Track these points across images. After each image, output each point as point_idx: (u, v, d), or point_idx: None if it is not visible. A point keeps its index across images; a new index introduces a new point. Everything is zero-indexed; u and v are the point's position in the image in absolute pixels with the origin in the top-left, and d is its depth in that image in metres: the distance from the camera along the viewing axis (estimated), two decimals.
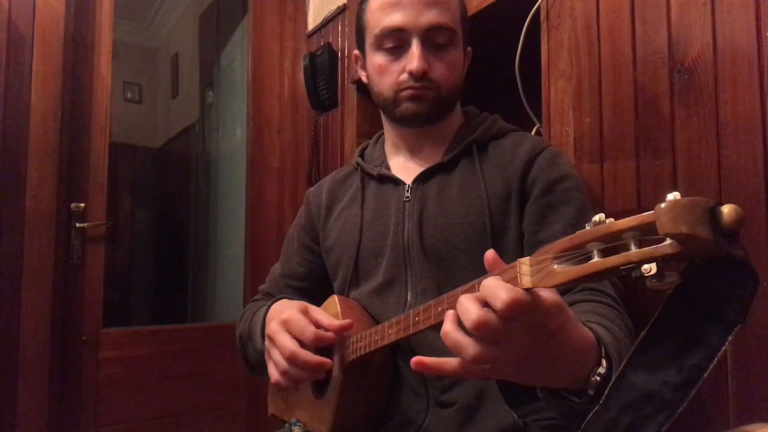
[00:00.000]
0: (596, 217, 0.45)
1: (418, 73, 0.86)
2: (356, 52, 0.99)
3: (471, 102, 1.02)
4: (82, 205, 1.74)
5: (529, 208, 0.85)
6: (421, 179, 0.92)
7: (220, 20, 2.69)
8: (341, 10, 1.91)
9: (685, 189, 0.87)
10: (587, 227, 0.45)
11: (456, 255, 0.85)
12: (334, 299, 0.92)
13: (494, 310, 0.49)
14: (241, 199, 2.16)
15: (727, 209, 0.39)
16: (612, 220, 0.44)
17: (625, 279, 0.44)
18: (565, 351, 0.54)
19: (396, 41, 0.88)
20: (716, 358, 0.44)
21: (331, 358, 0.87)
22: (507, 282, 0.52)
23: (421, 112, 0.89)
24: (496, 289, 0.49)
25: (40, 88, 1.63)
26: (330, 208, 1.03)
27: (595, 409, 0.50)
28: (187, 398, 1.90)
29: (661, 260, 0.41)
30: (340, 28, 1.93)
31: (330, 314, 0.90)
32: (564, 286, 0.48)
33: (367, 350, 0.77)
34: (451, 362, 0.55)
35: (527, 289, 0.49)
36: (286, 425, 0.94)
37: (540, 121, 1.15)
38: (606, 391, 0.50)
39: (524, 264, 0.50)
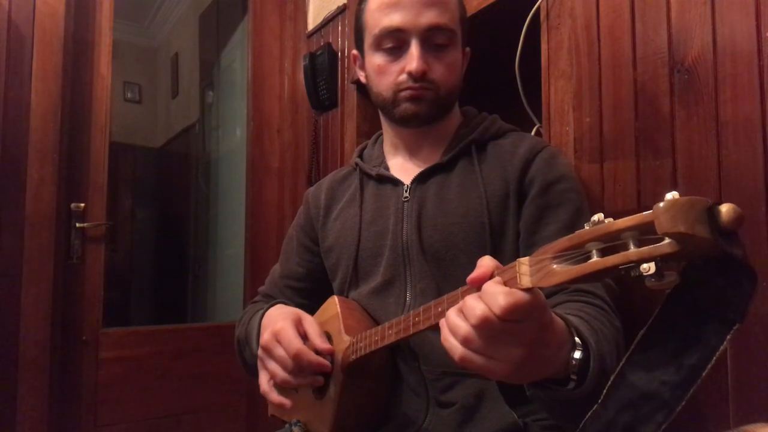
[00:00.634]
0: (595, 217, 0.45)
1: (418, 74, 0.86)
2: (355, 52, 0.99)
3: (471, 102, 1.02)
4: (82, 205, 1.74)
5: (526, 208, 0.85)
6: (419, 179, 0.92)
7: (220, 20, 2.69)
8: (341, 10, 1.91)
9: (685, 189, 0.87)
10: (586, 227, 0.45)
11: (455, 255, 0.85)
12: (334, 300, 0.92)
13: (494, 314, 0.50)
14: (241, 199, 2.16)
15: (725, 208, 0.39)
16: (611, 219, 0.44)
17: (624, 279, 0.44)
18: (554, 342, 0.56)
19: (395, 42, 0.88)
20: (714, 358, 0.44)
21: (331, 359, 0.87)
22: (506, 282, 0.52)
23: (420, 113, 0.89)
24: (495, 294, 0.50)
25: (40, 88, 1.63)
26: (329, 208, 1.03)
27: (594, 408, 0.50)
28: (187, 398, 1.90)
29: (660, 260, 0.41)
30: (340, 28, 1.93)
31: (330, 315, 0.90)
32: (563, 285, 0.48)
33: (367, 351, 0.77)
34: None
35: (527, 289, 0.50)
36: (286, 425, 0.94)
37: (540, 121, 1.15)
38: (605, 391, 0.50)
39: (524, 264, 0.51)
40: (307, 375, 0.82)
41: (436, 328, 0.64)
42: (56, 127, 1.65)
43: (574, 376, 0.57)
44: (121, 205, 3.01)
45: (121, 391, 1.78)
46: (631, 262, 0.42)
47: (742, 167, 0.80)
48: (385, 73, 0.90)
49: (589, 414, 0.50)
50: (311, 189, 1.10)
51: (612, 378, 0.50)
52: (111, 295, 1.87)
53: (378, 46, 0.89)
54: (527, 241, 0.84)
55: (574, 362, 0.57)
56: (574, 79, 1.06)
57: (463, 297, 0.58)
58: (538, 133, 1.17)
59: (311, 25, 2.13)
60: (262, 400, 0.94)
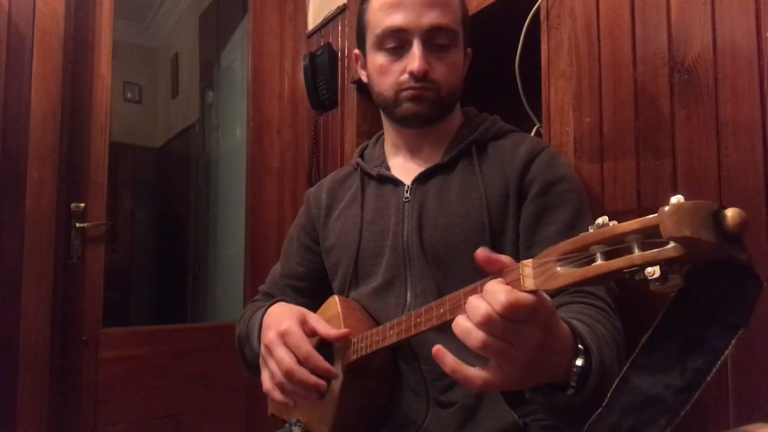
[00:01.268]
0: (599, 220, 0.45)
1: (419, 74, 0.86)
2: (357, 51, 0.99)
3: (471, 102, 1.02)
4: (82, 205, 1.74)
5: (526, 209, 0.85)
6: (420, 180, 0.92)
7: (220, 20, 2.69)
8: (341, 10, 1.91)
9: (685, 189, 0.87)
10: (590, 230, 0.45)
11: (455, 255, 0.85)
12: (335, 300, 0.92)
13: (496, 312, 0.50)
14: (241, 199, 2.16)
15: (730, 213, 0.39)
16: (615, 222, 0.44)
17: (628, 282, 0.44)
18: (559, 347, 0.55)
19: (397, 41, 0.88)
20: (719, 362, 0.44)
21: (332, 359, 0.87)
22: (510, 283, 0.52)
23: (422, 113, 0.89)
24: (496, 291, 0.50)
25: (40, 88, 1.63)
26: (330, 208, 1.03)
27: (598, 411, 0.50)
28: (187, 398, 1.90)
29: (665, 263, 0.41)
30: (340, 28, 1.93)
31: (331, 315, 0.90)
32: (567, 288, 0.48)
33: (368, 351, 0.77)
34: (467, 368, 0.55)
35: (531, 291, 0.49)
36: (286, 425, 0.94)
37: (540, 121, 1.15)
38: (609, 394, 0.50)
39: (527, 266, 0.50)
40: (307, 384, 0.79)
41: (437, 329, 0.65)
42: (56, 127, 1.65)
43: (573, 383, 0.57)
44: (121, 205, 3.01)
45: (121, 391, 1.78)
46: (636, 265, 0.42)
47: (742, 167, 0.80)
48: (387, 73, 0.90)
49: (593, 417, 0.50)
50: (312, 189, 1.10)
51: (616, 382, 0.49)
52: (111, 295, 1.87)
53: (380, 45, 0.89)
54: (527, 241, 0.84)
55: (575, 369, 0.57)
56: (574, 79, 1.06)
57: (465, 298, 0.57)
58: (538, 133, 1.17)
59: (311, 25, 2.13)
60: (262, 400, 0.94)
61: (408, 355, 0.87)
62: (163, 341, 1.89)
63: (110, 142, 1.82)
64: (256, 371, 1.00)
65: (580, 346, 0.59)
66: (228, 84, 2.61)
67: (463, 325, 0.53)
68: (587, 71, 1.03)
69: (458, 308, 0.59)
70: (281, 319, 0.84)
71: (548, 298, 0.51)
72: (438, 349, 0.57)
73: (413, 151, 0.97)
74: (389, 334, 0.73)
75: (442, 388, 0.84)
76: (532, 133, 1.14)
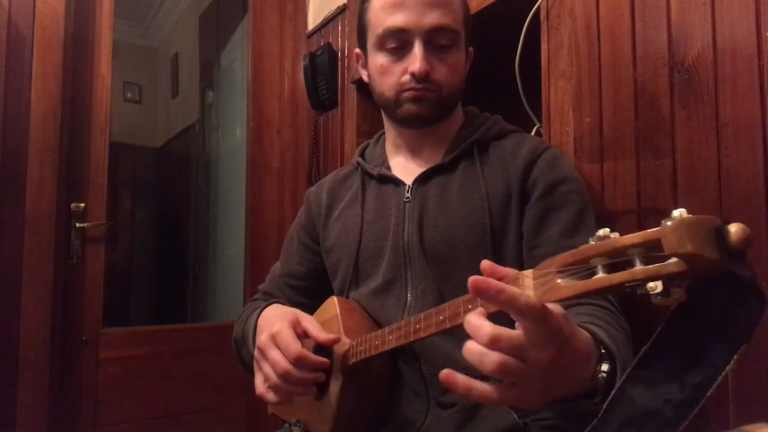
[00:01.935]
0: (600, 232, 0.44)
1: (421, 75, 0.86)
2: (358, 50, 0.99)
3: (471, 102, 1.02)
4: (82, 205, 1.74)
5: (529, 210, 0.85)
6: (421, 180, 0.92)
7: (220, 20, 2.69)
8: (341, 10, 1.91)
9: (685, 189, 0.87)
10: (591, 242, 0.45)
11: (456, 256, 0.85)
12: (333, 301, 0.92)
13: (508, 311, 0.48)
14: (241, 199, 2.16)
15: (734, 228, 0.39)
16: (617, 235, 0.43)
17: (629, 295, 0.43)
18: (577, 358, 0.53)
19: (398, 42, 0.87)
20: (720, 378, 0.43)
21: (331, 360, 0.87)
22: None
23: (423, 113, 0.89)
24: (478, 327, 0.49)
25: (40, 88, 1.63)
26: (330, 208, 1.03)
27: (593, 423, 0.49)
28: (187, 398, 1.90)
29: (667, 278, 0.40)
30: (340, 28, 1.93)
31: (329, 316, 0.90)
32: (568, 300, 0.47)
33: (367, 355, 0.77)
34: (481, 384, 0.52)
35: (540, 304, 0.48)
36: (286, 426, 0.94)
37: (540, 121, 1.15)
38: (604, 406, 0.49)
39: (527, 277, 0.50)
40: (304, 382, 0.78)
41: (436, 336, 0.64)
42: (56, 127, 1.65)
43: (601, 390, 0.55)
44: (121, 205, 3.01)
45: (121, 391, 1.78)
46: (638, 280, 0.41)
47: (742, 167, 0.80)
48: (388, 73, 0.89)
49: (588, 429, 0.49)
50: (312, 188, 1.10)
51: (612, 393, 0.49)
52: (111, 295, 1.87)
53: (381, 45, 0.89)
54: (530, 242, 0.83)
55: (601, 375, 0.55)
56: (574, 79, 1.06)
57: (464, 305, 0.57)
58: (538, 133, 1.17)
59: (311, 25, 2.13)
60: (262, 400, 0.94)
61: (408, 355, 0.87)
62: (163, 341, 1.89)
63: (110, 142, 1.82)
64: (253, 372, 1.00)
65: (603, 350, 0.57)
66: (228, 84, 2.61)
67: (474, 350, 0.50)
68: (587, 71, 1.03)
69: (458, 316, 0.58)
70: (273, 322, 0.84)
71: (557, 312, 0.49)
72: (447, 374, 0.53)
73: (414, 151, 0.97)
74: (388, 339, 0.73)
75: (442, 388, 0.84)
76: (532, 133, 1.14)
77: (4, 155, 1.56)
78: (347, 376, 0.83)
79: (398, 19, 0.86)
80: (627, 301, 0.80)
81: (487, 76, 1.28)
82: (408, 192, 0.92)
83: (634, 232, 0.42)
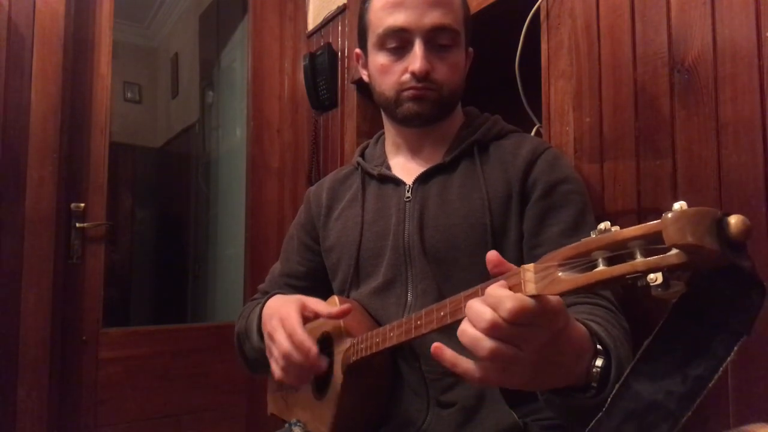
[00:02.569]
0: (601, 225, 0.45)
1: (421, 74, 0.86)
2: (358, 50, 0.99)
3: (471, 102, 1.02)
4: (82, 205, 1.74)
5: (529, 210, 0.85)
6: (421, 180, 0.92)
7: (220, 20, 2.69)
8: (341, 10, 1.91)
9: (685, 189, 0.87)
10: (592, 235, 0.45)
11: (456, 256, 0.85)
12: (335, 300, 0.92)
13: (502, 318, 0.49)
14: (241, 199, 2.16)
15: (734, 220, 0.39)
16: (617, 228, 0.43)
17: (630, 288, 0.44)
18: (569, 347, 0.55)
19: (399, 41, 0.88)
20: (721, 369, 0.43)
21: (332, 359, 0.87)
22: (511, 288, 0.52)
23: (423, 113, 0.89)
24: (501, 297, 0.50)
25: (40, 88, 1.63)
26: (330, 207, 1.03)
27: (598, 417, 0.49)
28: (187, 398, 1.90)
29: (667, 270, 0.40)
30: (340, 28, 1.93)
31: None
32: (569, 294, 0.47)
33: (368, 353, 0.77)
34: (466, 361, 0.55)
35: (533, 296, 0.49)
36: (286, 425, 0.94)
37: (540, 121, 1.15)
38: (609, 400, 0.49)
39: (529, 271, 0.50)
40: (302, 366, 0.80)
41: (438, 332, 0.64)
42: (56, 127, 1.65)
43: (594, 384, 0.57)
44: (121, 205, 3.01)
45: (121, 391, 1.78)
46: (639, 272, 0.41)
47: (742, 167, 0.80)
48: (388, 73, 0.90)
49: (593, 423, 0.49)
50: (312, 188, 1.10)
51: (616, 387, 0.49)
52: (111, 295, 1.87)
53: (381, 45, 0.89)
54: (531, 242, 0.83)
55: (595, 370, 0.57)
56: (574, 79, 1.06)
57: (465, 301, 0.57)
58: (538, 133, 1.17)
59: (311, 25, 2.13)
60: (262, 400, 0.94)
61: (408, 355, 0.87)
62: (163, 341, 1.89)
63: (110, 142, 1.82)
64: (256, 368, 1.00)
65: (599, 346, 0.58)
66: (228, 84, 2.61)
67: (470, 333, 0.52)
68: (587, 71, 1.03)
69: (459, 311, 0.59)
70: (280, 307, 0.85)
71: (553, 300, 0.51)
72: (437, 346, 0.57)
73: (414, 150, 0.97)
74: (389, 336, 0.73)
75: (443, 388, 0.84)
76: (532, 133, 1.14)
77: (4, 155, 1.57)
78: (348, 375, 0.83)
79: (399, 19, 0.86)
80: (626, 297, 0.80)
81: (487, 76, 1.27)
82: (408, 192, 0.92)
83: None
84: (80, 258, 1.74)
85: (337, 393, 0.84)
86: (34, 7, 1.63)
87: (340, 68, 1.90)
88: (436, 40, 0.87)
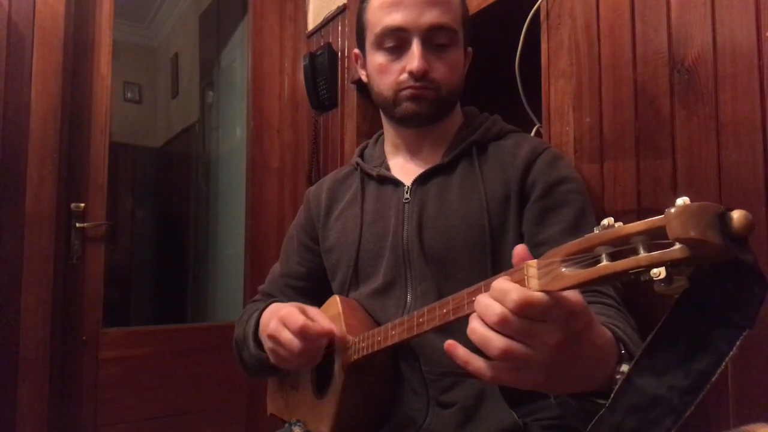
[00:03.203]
0: (605, 221, 0.45)
1: (419, 73, 0.86)
2: (356, 50, 0.99)
3: (471, 102, 1.02)
4: (82, 205, 1.74)
5: (529, 210, 0.85)
6: (420, 181, 0.92)
7: (220, 20, 2.69)
8: (341, 10, 1.91)
9: (685, 189, 0.87)
10: (596, 230, 0.45)
11: (456, 257, 0.85)
12: (336, 299, 0.92)
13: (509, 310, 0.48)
14: (241, 199, 2.16)
15: (737, 215, 0.39)
16: (621, 224, 0.43)
17: (633, 283, 0.44)
18: (591, 351, 0.53)
19: (396, 41, 0.88)
20: (724, 363, 0.44)
21: (333, 358, 0.87)
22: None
23: (421, 112, 0.89)
24: (507, 290, 0.49)
25: (40, 88, 1.63)
26: (330, 208, 1.03)
27: (601, 412, 0.49)
28: (187, 398, 1.90)
29: (670, 265, 0.41)
30: (340, 28, 1.93)
31: (332, 314, 0.90)
32: (572, 289, 0.47)
33: (370, 351, 0.77)
34: (479, 360, 0.53)
35: (547, 292, 0.48)
36: (287, 425, 0.94)
37: (540, 121, 1.15)
38: (612, 395, 0.49)
39: (532, 267, 0.50)
40: (311, 354, 0.81)
41: (439, 330, 0.64)
42: (56, 127, 1.65)
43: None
44: (121, 205, 3.01)
45: (121, 391, 1.78)
46: (642, 266, 0.42)
47: (742, 167, 0.80)
48: (386, 73, 0.90)
49: (596, 418, 0.49)
50: (312, 188, 1.10)
51: (619, 382, 0.49)
52: (111, 295, 1.87)
53: (379, 45, 0.89)
54: (531, 241, 0.83)
55: (619, 376, 0.55)
56: (574, 79, 1.06)
57: (468, 298, 0.57)
58: (538, 133, 1.17)
59: (311, 25, 2.13)
60: (262, 400, 0.94)
61: (408, 355, 0.87)
62: (163, 341, 1.89)
63: (110, 142, 1.82)
64: (254, 373, 1.00)
65: (623, 351, 0.57)
66: (228, 84, 2.61)
67: (480, 331, 0.50)
68: (587, 71, 1.03)
69: (461, 308, 0.59)
70: (278, 309, 0.85)
71: (572, 300, 0.49)
72: (450, 343, 0.55)
73: (413, 151, 0.97)
74: (391, 334, 0.73)
75: (443, 388, 0.84)
76: (532, 133, 1.14)
77: (4, 155, 1.57)
78: (348, 374, 0.83)
79: (396, 18, 0.86)
80: (627, 292, 0.80)
81: (487, 76, 1.28)
82: (407, 193, 0.92)
83: None
84: (80, 258, 1.74)
85: (338, 392, 0.84)
86: (34, 7, 1.63)
87: (340, 68, 1.90)
88: (433, 39, 0.87)
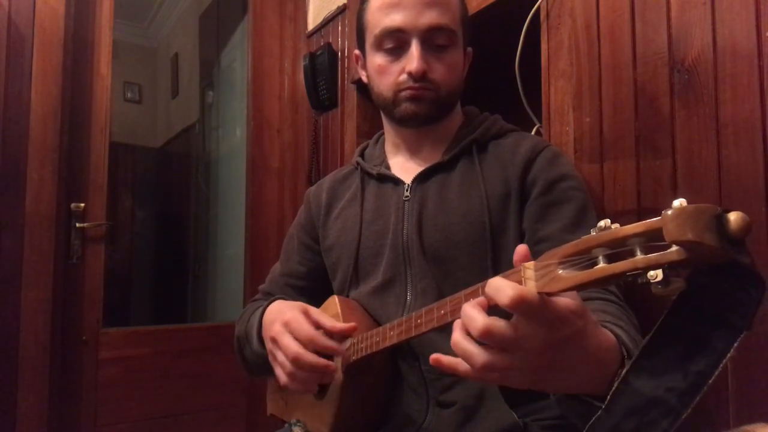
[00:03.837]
0: (602, 223, 0.45)
1: (418, 74, 0.86)
2: (357, 51, 0.99)
3: (471, 102, 1.02)
4: (82, 205, 1.74)
5: (530, 207, 0.85)
6: (420, 179, 0.92)
7: (220, 20, 2.69)
8: (341, 10, 1.91)
9: (685, 189, 0.87)
10: (593, 232, 0.45)
11: (455, 255, 0.85)
12: (335, 300, 0.92)
13: (500, 306, 0.48)
14: (241, 199, 2.16)
15: (733, 216, 0.39)
16: (618, 225, 0.43)
17: (630, 284, 0.44)
18: (585, 356, 0.53)
19: (396, 42, 0.88)
20: (721, 364, 0.44)
21: (332, 359, 0.87)
22: None
23: (420, 113, 0.89)
24: (502, 286, 0.48)
25: (40, 88, 1.63)
26: (330, 207, 1.03)
27: (598, 414, 0.49)
28: (187, 398, 1.90)
29: (667, 267, 0.41)
30: (340, 28, 1.93)
31: (330, 315, 0.90)
32: (569, 291, 0.47)
33: (368, 352, 0.77)
34: (464, 365, 0.54)
35: (538, 293, 0.48)
36: (286, 425, 0.94)
37: (540, 121, 1.16)
38: (609, 397, 0.49)
39: (529, 268, 0.50)
40: (318, 366, 0.79)
41: (438, 330, 0.64)
42: (56, 127, 1.65)
43: None
44: (121, 205, 3.01)
45: (121, 391, 1.78)
46: (639, 269, 0.42)
47: (742, 167, 0.80)
48: (386, 73, 0.90)
49: (593, 420, 0.49)
50: (312, 188, 1.10)
51: (616, 384, 0.49)
52: (111, 295, 1.87)
53: (379, 46, 0.89)
54: (532, 239, 0.83)
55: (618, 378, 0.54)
56: (574, 79, 1.06)
57: (466, 299, 0.57)
58: (538, 133, 1.17)
59: (311, 25, 2.13)
60: (262, 400, 0.94)
61: (408, 354, 0.87)
62: (163, 341, 1.89)
63: (110, 142, 1.82)
64: (256, 371, 1.00)
65: (625, 353, 0.57)
66: (228, 84, 2.61)
67: (462, 346, 0.52)
68: (587, 71, 1.03)
69: (459, 310, 0.59)
70: (283, 311, 0.85)
71: (559, 306, 0.49)
72: (434, 358, 0.56)
73: (413, 150, 0.97)
74: (389, 335, 0.73)
75: (442, 387, 0.84)
76: (532, 133, 1.14)
77: (4, 155, 1.57)
78: (347, 375, 0.83)
79: (395, 19, 0.86)
80: (625, 293, 0.80)
81: (487, 76, 1.28)
82: (407, 191, 0.92)
83: None
84: (80, 258, 1.74)
85: (338, 393, 0.84)
86: (34, 7, 1.63)
87: (340, 68, 1.90)
88: (432, 40, 0.87)
